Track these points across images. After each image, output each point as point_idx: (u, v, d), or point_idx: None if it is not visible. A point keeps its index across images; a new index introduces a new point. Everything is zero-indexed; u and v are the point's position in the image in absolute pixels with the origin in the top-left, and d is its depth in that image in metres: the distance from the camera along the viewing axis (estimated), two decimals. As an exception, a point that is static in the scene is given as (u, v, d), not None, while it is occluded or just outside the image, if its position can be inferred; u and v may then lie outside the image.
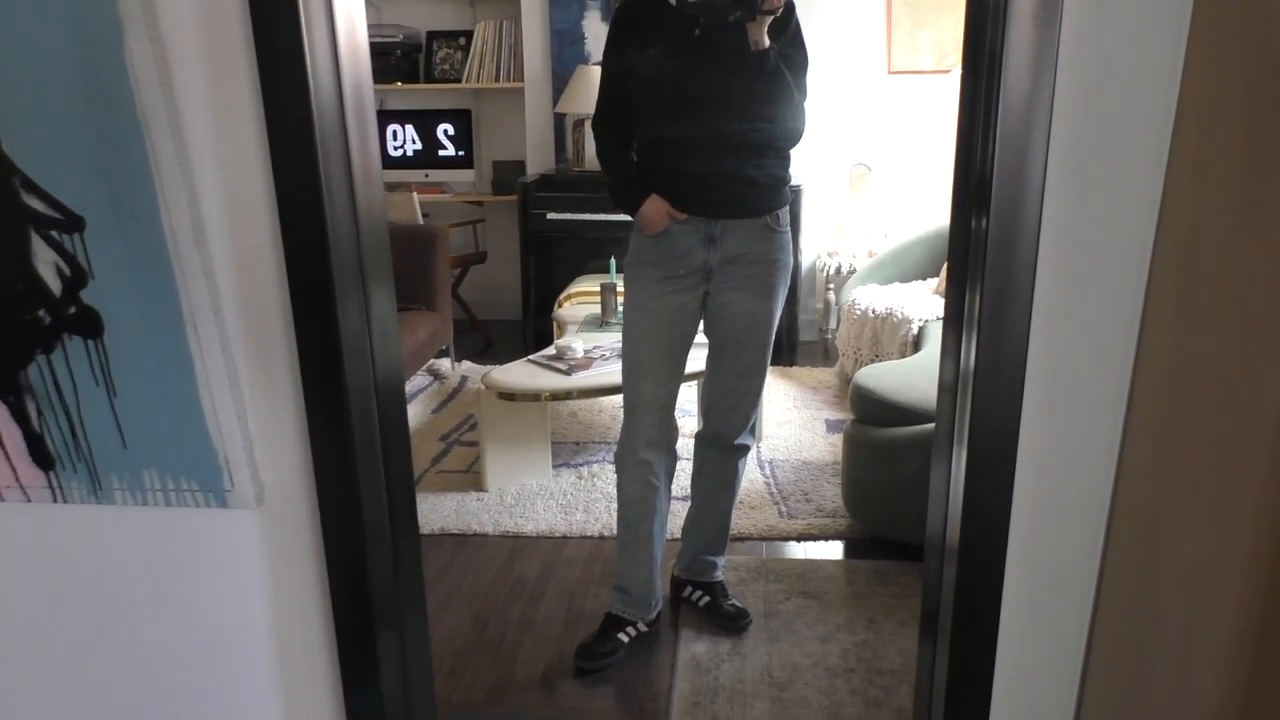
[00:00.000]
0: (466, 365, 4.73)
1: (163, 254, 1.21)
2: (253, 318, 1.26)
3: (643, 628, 2.42)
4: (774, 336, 2.29)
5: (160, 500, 1.33)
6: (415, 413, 4.10)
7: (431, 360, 4.52)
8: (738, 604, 2.51)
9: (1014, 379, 1.25)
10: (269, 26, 1.12)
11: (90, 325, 1.25)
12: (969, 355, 1.31)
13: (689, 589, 2.55)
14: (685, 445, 2.45)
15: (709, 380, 2.37)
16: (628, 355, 2.26)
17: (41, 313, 1.26)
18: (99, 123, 1.17)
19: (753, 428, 2.41)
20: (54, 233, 1.22)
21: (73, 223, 1.21)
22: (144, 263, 1.22)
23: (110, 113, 1.16)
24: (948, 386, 1.44)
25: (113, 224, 1.21)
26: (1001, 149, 1.14)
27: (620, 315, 3.91)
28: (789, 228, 2.24)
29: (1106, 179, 1.18)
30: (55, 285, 1.24)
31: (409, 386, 4.34)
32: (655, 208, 2.14)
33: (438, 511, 3.14)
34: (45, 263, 1.23)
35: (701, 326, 2.30)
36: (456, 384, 4.46)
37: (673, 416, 2.31)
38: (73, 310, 1.25)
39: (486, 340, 5.24)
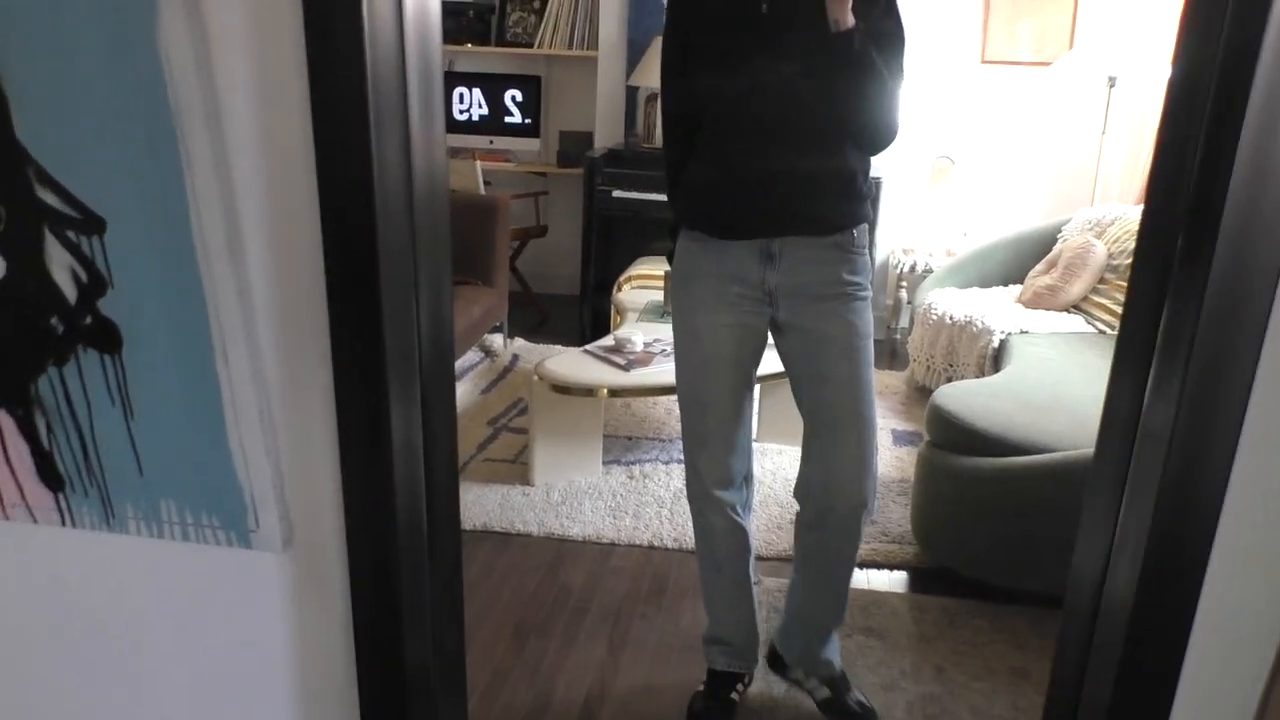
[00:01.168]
0: (520, 343, 4.58)
1: (191, 266, 1.05)
2: (292, 344, 1.10)
3: (749, 680, 2.16)
4: (869, 375, 1.86)
5: (177, 534, 1.19)
6: (464, 391, 3.97)
7: (484, 335, 4.38)
8: (864, 701, 2.11)
9: (1227, 433, 1.04)
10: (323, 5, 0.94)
11: (107, 338, 1.10)
12: (1168, 395, 1.09)
13: (798, 671, 2.18)
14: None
15: (806, 444, 1.93)
16: (684, 388, 1.95)
17: (54, 320, 1.11)
18: (126, 113, 1.01)
19: (872, 504, 1.89)
20: (70, 233, 1.06)
21: (92, 223, 1.05)
22: (170, 274, 1.06)
23: (139, 101, 1.00)
24: (1119, 420, 1.22)
25: (137, 228, 1.05)
26: (1244, 170, 0.93)
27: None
28: (866, 249, 1.86)
29: None
30: (70, 292, 1.09)
31: (459, 363, 4.20)
32: None
33: (481, 505, 3.00)
34: (60, 266, 1.08)
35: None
36: (508, 363, 4.32)
37: (747, 444, 2.00)
38: (89, 320, 1.10)
39: (542, 315, 5.09)
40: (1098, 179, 4.55)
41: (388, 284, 1.01)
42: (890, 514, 3.05)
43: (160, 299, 1.08)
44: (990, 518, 2.55)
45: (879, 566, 2.77)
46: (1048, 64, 4.61)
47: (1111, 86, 4.40)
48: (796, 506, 2.01)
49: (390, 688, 1.18)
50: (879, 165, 4.43)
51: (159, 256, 1.06)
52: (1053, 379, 3.04)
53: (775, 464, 3.37)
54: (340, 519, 1.14)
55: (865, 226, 1.86)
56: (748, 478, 2.04)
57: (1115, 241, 3.86)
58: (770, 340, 1.95)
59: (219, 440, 1.12)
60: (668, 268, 3.81)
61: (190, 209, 1.03)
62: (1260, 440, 1.06)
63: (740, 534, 2.03)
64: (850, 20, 1.64)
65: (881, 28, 1.72)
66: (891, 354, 4.75)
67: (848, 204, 1.82)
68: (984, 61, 4.83)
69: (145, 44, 0.99)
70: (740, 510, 2.02)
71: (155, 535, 1.20)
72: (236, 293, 1.06)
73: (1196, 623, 1.12)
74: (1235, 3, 0.97)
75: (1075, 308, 3.88)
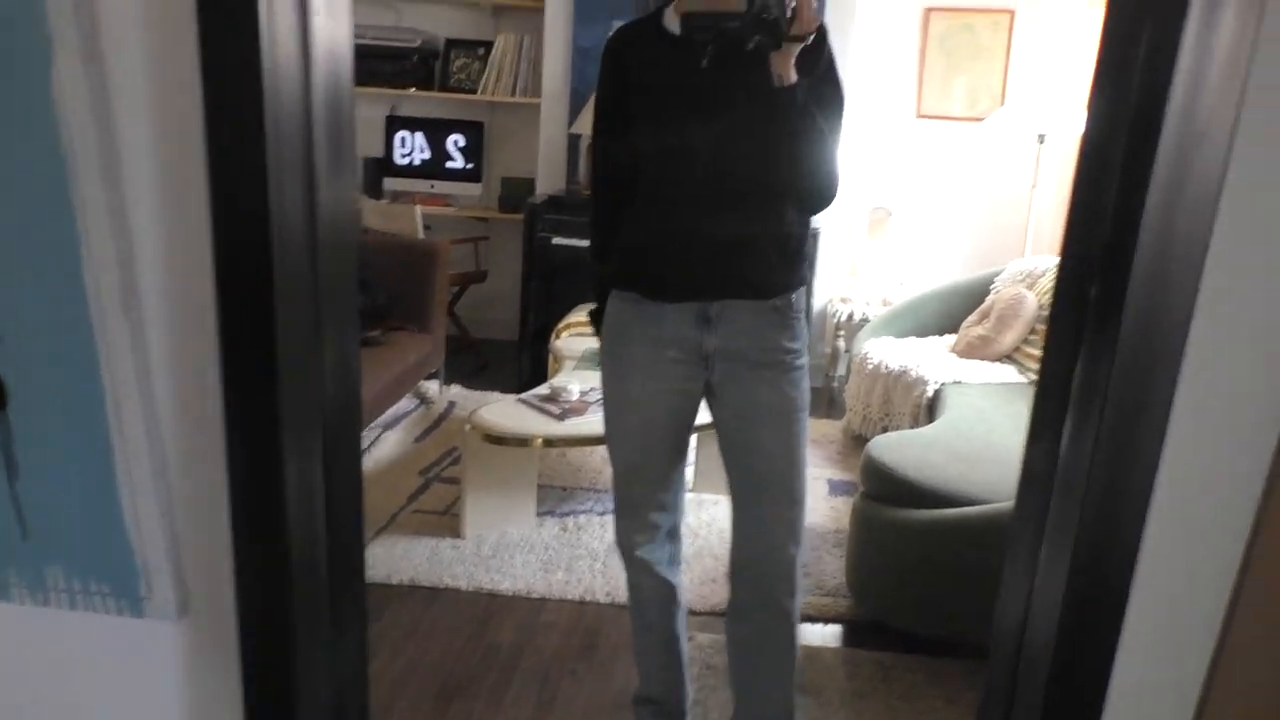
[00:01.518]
0: (456, 390, 4.51)
1: (84, 319, 1.00)
2: (190, 400, 1.05)
3: None
4: (803, 448, 1.81)
5: (64, 602, 1.12)
6: (397, 440, 3.89)
7: (420, 382, 4.30)
8: None
9: (1142, 482, 1.05)
10: (221, 53, 0.91)
11: (-9, 395, 1.05)
12: (1079, 454, 1.09)
13: None
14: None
15: (735, 516, 1.88)
16: (617, 454, 1.91)
17: (-66, 376, 1.05)
18: (16, 162, 0.96)
19: (799, 583, 1.86)
20: (-47, 285, 1.01)
21: (-24, 275, 1.00)
22: (60, 327, 1.01)
23: (30, 151, 0.96)
24: (1037, 471, 1.22)
25: (25, 279, 1.00)
26: (1152, 223, 0.95)
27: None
28: (804, 314, 1.82)
29: (1271, 288, 0.98)
30: (-48, 345, 1.03)
31: (393, 410, 4.12)
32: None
33: (409, 559, 2.92)
34: (-59, 318, 1.03)
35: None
36: (443, 410, 4.25)
37: (676, 503, 1.96)
38: (-29, 376, 1.04)
39: (480, 362, 5.04)
40: (1029, 231, 4.66)
41: (285, 343, 0.97)
42: (825, 566, 3.04)
43: (50, 353, 1.02)
44: (923, 570, 2.55)
45: (813, 620, 2.75)
46: (980, 120, 4.73)
47: (1041, 143, 4.52)
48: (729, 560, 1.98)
49: (289, 764, 1.12)
50: (818, 216, 4.48)
51: (49, 309, 1.01)
52: (984, 429, 3.06)
53: (711, 515, 3.34)
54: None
55: (804, 290, 1.82)
56: (671, 532, 1.98)
57: (1045, 293, 3.94)
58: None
59: (110, 502, 1.06)
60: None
61: (83, 261, 0.98)
62: (1175, 490, 1.06)
63: (668, 590, 1.98)
64: (793, 76, 1.61)
65: (822, 89, 1.69)
66: (829, 402, 4.78)
67: (788, 266, 1.78)
68: (919, 116, 4.94)
69: (39, 92, 0.95)
70: (668, 566, 1.98)
71: (40, 604, 1.13)
72: (131, 348, 1.01)
73: (1115, 672, 1.11)
74: (1143, 66, 0.99)
75: (1007, 358, 3.94)
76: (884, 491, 2.66)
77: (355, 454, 1.13)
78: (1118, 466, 1.05)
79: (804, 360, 1.82)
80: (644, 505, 1.91)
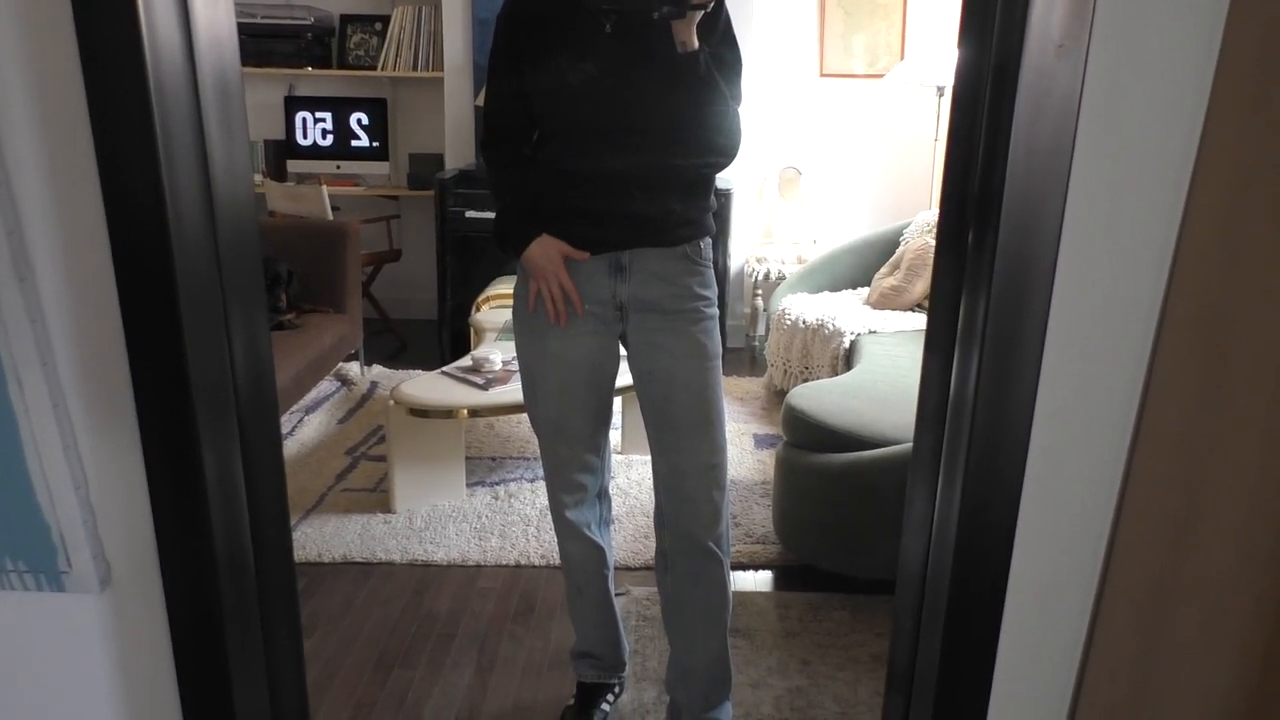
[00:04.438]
0: (378, 370, 4.47)
1: (-24, 290, 0.98)
2: (94, 368, 1.04)
3: (619, 690, 2.18)
4: (718, 395, 1.83)
5: (-20, 583, 1.10)
6: (321, 422, 3.84)
7: (340, 364, 4.25)
8: None
9: (1022, 412, 1.10)
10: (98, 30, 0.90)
11: (-115, 374, 1.02)
12: (966, 382, 1.15)
13: None
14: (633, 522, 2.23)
15: (655, 465, 1.88)
16: (540, 415, 1.90)
17: None
18: (-110, 128, 0.94)
19: (725, 527, 1.87)
20: None
21: None
22: (-48, 300, 0.99)
23: (-95, 115, 0.93)
24: (931, 407, 1.28)
25: (-89, 253, 0.97)
26: (1016, 170, 0.99)
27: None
28: (711, 263, 1.84)
29: (1130, 215, 1.04)
30: None
31: (314, 394, 4.07)
32: (545, 250, 1.75)
33: (341, 537, 2.90)
34: None
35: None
36: (366, 390, 4.21)
37: (602, 464, 1.98)
38: None
39: (400, 342, 4.99)
40: (934, 183, 4.78)
41: (190, 315, 0.96)
42: (753, 516, 3.11)
43: (-57, 328, 1.00)
44: (843, 511, 2.62)
45: (744, 568, 2.81)
46: (881, 76, 4.82)
47: (941, 95, 4.63)
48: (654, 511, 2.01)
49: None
50: (730, 176, 4.54)
51: (-61, 283, 0.98)
52: (899, 374, 3.15)
53: (640, 475, 3.39)
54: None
55: (710, 240, 1.85)
56: (601, 494, 2.01)
57: (951, 241, 4.05)
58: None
59: (18, 475, 1.05)
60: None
61: (-30, 230, 0.96)
62: (1053, 411, 1.12)
63: (597, 553, 2.01)
64: (695, 43, 1.63)
65: (721, 52, 1.72)
66: (751, 361, 4.85)
67: (695, 215, 1.80)
68: (823, 75, 5.01)
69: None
70: (596, 528, 2.00)
71: (-46, 586, 1.11)
72: (27, 317, 0.99)
73: (1010, 587, 1.17)
74: (1001, 18, 1.05)
75: (918, 306, 4.05)
76: (804, 438, 2.73)
77: (273, 423, 1.13)
78: (999, 396, 1.11)
79: (714, 310, 1.85)
80: (570, 466, 1.92)
